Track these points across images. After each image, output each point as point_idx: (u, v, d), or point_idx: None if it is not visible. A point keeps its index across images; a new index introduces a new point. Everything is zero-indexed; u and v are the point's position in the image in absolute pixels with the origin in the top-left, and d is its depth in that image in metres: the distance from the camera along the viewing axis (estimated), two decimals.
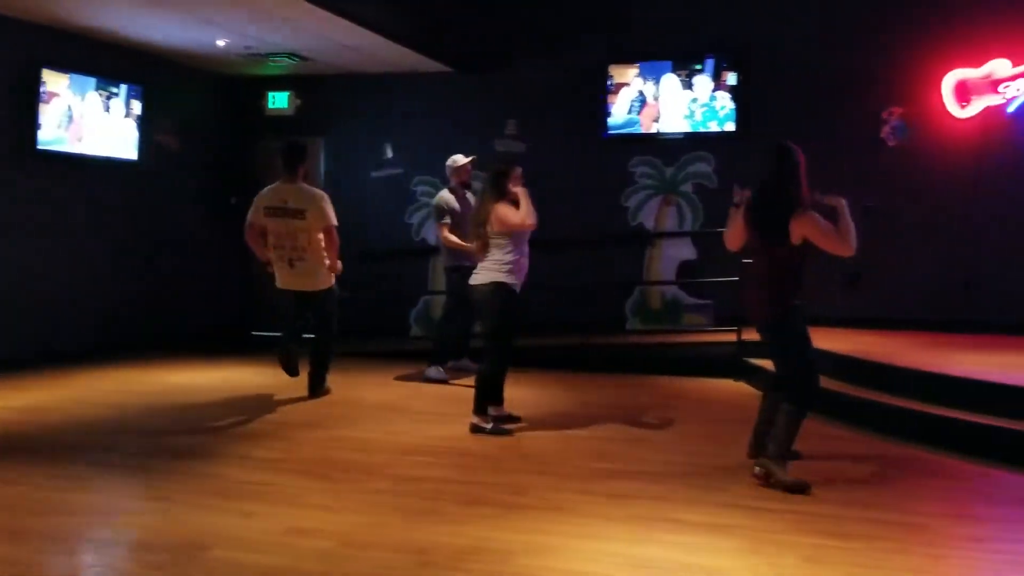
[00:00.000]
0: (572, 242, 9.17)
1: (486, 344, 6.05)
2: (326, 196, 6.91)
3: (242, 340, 10.19)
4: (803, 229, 4.64)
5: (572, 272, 9.18)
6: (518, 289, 5.95)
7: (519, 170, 6.16)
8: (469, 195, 7.86)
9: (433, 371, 7.85)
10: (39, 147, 8.28)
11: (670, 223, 9.57)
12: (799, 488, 4.59)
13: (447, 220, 7.68)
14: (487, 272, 5.90)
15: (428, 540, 3.93)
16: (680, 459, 5.32)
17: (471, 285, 6.00)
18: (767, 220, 4.78)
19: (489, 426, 5.89)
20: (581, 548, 3.85)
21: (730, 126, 9.18)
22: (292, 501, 4.49)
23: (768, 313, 4.80)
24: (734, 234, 5.03)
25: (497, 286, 5.84)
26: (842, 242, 4.63)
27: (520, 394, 7.23)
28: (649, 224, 9.62)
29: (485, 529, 4.08)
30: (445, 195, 7.81)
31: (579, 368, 8.47)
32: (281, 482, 4.81)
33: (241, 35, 8.66)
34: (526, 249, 6.02)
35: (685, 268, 9.50)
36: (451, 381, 7.77)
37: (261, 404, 6.83)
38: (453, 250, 7.60)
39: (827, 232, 4.65)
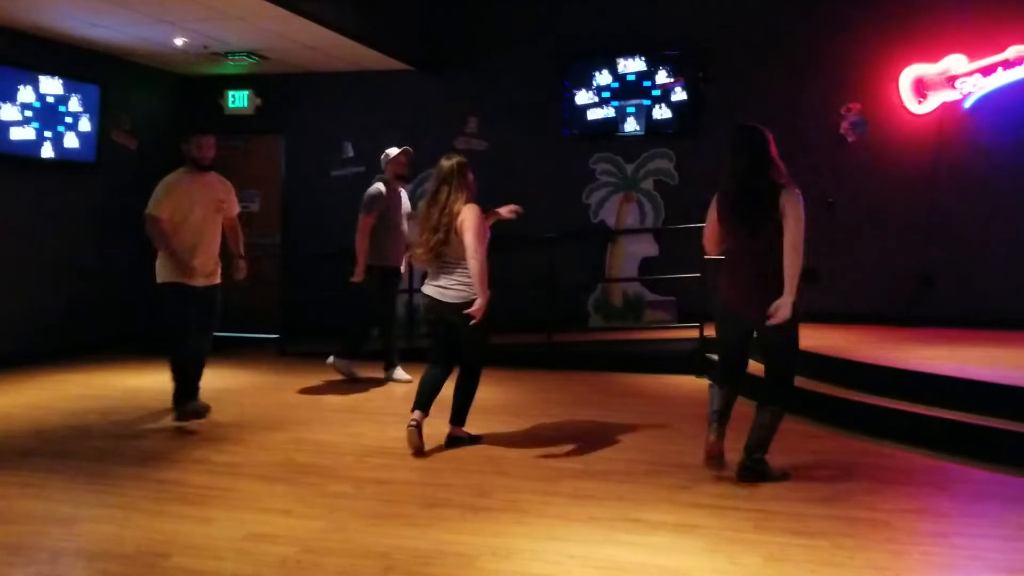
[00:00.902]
0: (534, 239, 9.14)
1: (478, 363, 5.62)
2: (161, 182, 6.26)
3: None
4: (792, 207, 4.48)
5: (534, 270, 9.16)
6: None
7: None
8: (403, 191, 7.78)
9: (342, 363, 7.78)
10: None
11: (631, 220, 9.59)
12: (784, 476, 4.86)
13: (373, 212, 7.42)
14: (469, 288, 5.26)
15: (390, 544, 3.90)
16: (643, 458, 5.33)
17: (448, 304, 5.30)
18: (751, 210, 4.59)
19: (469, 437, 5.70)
20: (544, 550, 3.85)
21: (687, 122, 9.21)
22: (252, 506, 4.44)
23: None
24: (713, 233, 4.88)
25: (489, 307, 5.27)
26: (800, 239, 4.53)
27: (484, 393, 7.17)
28: (611, 221, 9.64)
29: (448, 532, 4.06)
30: (378, 186, 7.57)
31: (542, 366, 8.47)
32: (241, 487, 4.75)
33: (199, 34, 8.55)
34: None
35: (647, 264, 9.52)
36: (357, 375, 7.82)
37: (220, 407, 6.73)
38: (373, 245, 7.43)
39: (801, 220, 4.51)
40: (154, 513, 4.32)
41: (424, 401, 5.44)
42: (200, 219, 6.21)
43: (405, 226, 7.63)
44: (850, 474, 5.03)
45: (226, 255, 6.53)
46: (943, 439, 5.46)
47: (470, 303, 5.18)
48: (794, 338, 4.78)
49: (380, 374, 7.86)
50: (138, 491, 4.67)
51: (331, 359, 7.80)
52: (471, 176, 5.44)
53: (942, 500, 4.65)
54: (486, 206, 5.54)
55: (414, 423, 5.35)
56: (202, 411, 6.13)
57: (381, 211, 7.45)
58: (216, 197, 6.32)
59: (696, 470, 4.95)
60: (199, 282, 6.18)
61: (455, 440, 5.59)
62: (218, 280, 6.39)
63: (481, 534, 4.04)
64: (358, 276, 7.42)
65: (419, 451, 5.34)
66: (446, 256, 5.31)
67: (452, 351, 5.50)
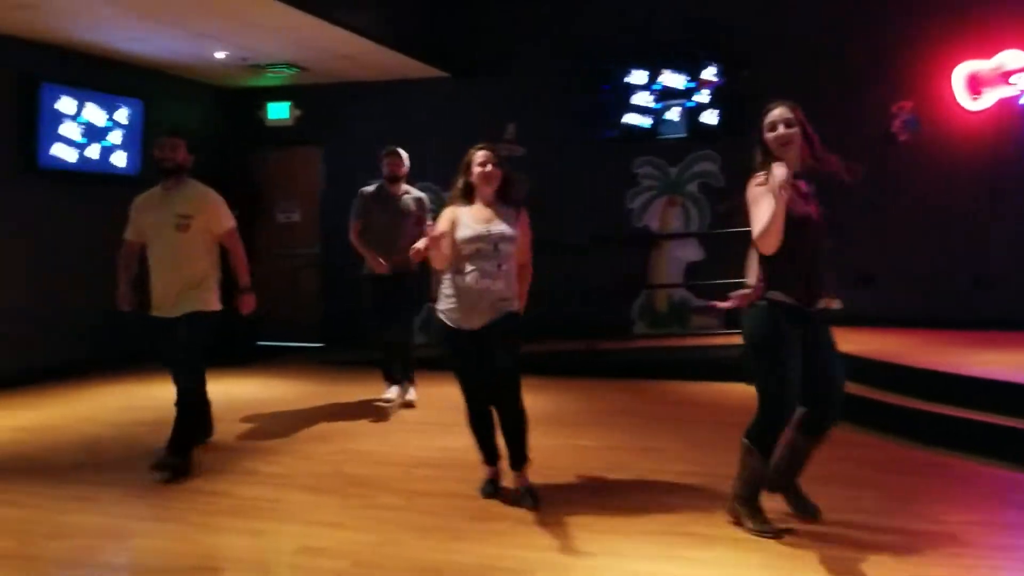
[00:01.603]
0: (576, 245, 9.08)
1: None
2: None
3: (246, 351, 10.12)
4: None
5: (577, 276, 9.08)
6: (460, 319, 4.56)
7: (481, 155, 4.65)
8: (409, 196, 7.09)
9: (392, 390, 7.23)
10: (40, 164, 8.21)
11: (676, 224, 9.48)
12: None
13: (354, 215, 7.03)
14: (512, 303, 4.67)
15: (441, 559, 3.85)
16: (694, 469, 5.22)
17: None
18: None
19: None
20: (599, 566, 3.77)
21: (732, 124, 9.09)
22: (302, 519, 4.41)
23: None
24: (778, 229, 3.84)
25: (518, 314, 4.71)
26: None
27: (528, 402, 7.14)
28: (654, 225, 9.54)
29: (498, 547, 4.00)
30: (363, 188, 7.21)
31: (586, 374, 8.38)
32: (290, 499, 4.73)
33: (238, 47, 8.60)
34: (483, 267, 4.52)
35: (692, 269, 9.41)
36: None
37: (267, 418, 6.75)
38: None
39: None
40: (205, 526, 4.31)
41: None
42: (154, 239, 5.41)
43: (399, 230, 6.91)
44: (910, 485, 4.89)
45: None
46: (1005, 447, 5.30)
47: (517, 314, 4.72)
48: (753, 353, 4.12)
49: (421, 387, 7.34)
50: (189, 504, 4.66)
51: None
52: (470, 168, 4.65)
53: (1008, 511, 4.51)
54: (530, 212, 4.84)
55: None
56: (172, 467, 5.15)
57: (365, 212, 7.02)
58: (175, 212, 5.33)
59: None
60: (160, 312, 5.38)
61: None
62: (189, 309, 5.33)
63: (534, 548, 3.97)
64: (380, 267, 6.87)
65: None
66: None
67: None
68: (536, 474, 5.04)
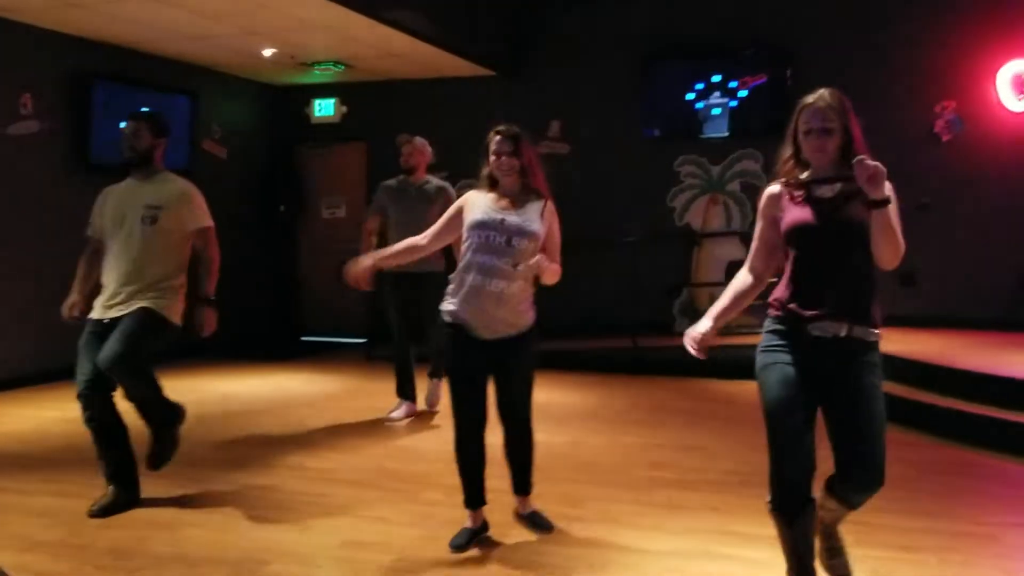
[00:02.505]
0: (618, 243, 9.08)
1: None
2: None
3: (292, 346, 10.27)
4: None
5: (619, 273, 9.10)
6: (466, 323, 3.92)
7: (494, 143, 4.04)
8: (430, 185, 6.72)
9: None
10: (92, 161, 8.39)
11: (717, 222, 9.46)
12: None
13: (373, 212, 6.72)
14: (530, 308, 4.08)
15: (485, 554, 3.92)
16: (736, 467, 5.24)
17: None
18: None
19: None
20: (641, 564, 3.81)
21: (774, 123, 9.03)
22: (347, 513, 4.49)
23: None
24: None
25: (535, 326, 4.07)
26: None
27: (570, 399, 7.20)
28: (696, 224, 9.53)
29: (542, 542, 4.05)
30: (386, 181, 6.91)
31: (628, 371, 8.40)
32: (336, 493, 4.81)
33: (287, 44, 8.72)
34: (492, 262, 3.86)
35: (733, 268, 9.35)
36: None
37: (311, 411, 6.84)
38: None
39: None
40: (252, 519, 4.41)
41: None
42: (114, 231, 4.81)
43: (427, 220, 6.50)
44: (952, 485, 4.88)
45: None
46: None
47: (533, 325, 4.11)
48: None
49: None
50: (236, 496, 4.76)
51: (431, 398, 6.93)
52: (489, 156, 4.05)
53: None
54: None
55: None
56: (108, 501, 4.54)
57: (381, 207, 6.72)
58: (143, 203, 4.76)
59: None
60: (98, 314, 4.78)
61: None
62: (124, 311, 4.64)
63: (575, 545, 4.02)
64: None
65: None
66: None
67: None
68: (580, 471, 5.10)
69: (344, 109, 10.86)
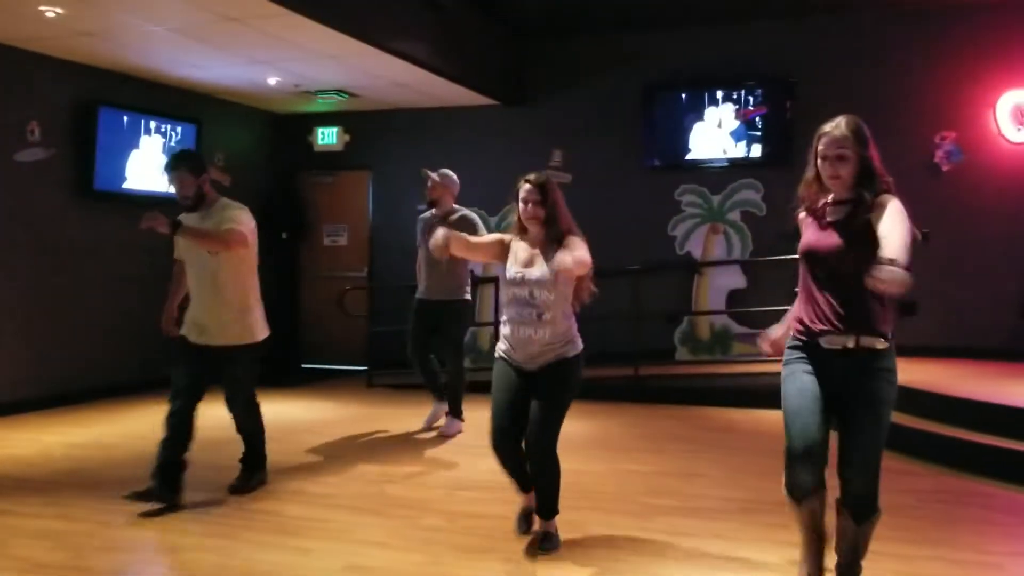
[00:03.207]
0: (620, 272, 9.12)
1: None
2: None
3: (292, 373, 10.28)
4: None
5: (621, 302, 9.13)
6: (511, 359, 4.32)
7: (523, 191, 4.28)
8: (454, 216, 6.91)
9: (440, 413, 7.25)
10: (96, 186, 8.44)
11: (718, 251, 9.51)
12: None
13: (418, 245, 7.12)
14: (572, 341, 4.42)
15: None
16: (739, 495, 5.24)
17: None
18: None
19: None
20: None
21: (774, 153, 9.13)
22: (349, 538, 4.49)
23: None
24: None
25: (581, 355, 4.44)
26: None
27: (571, 427, 7.11)
28: (697, 253, 9.57)
29: (546, 569, 4.04)
30: (423, 215, 7.25)
31: (628, 399, 8.41)
32: (337, 518, 4.81)
33: (291, 73, 8.80)
34: (520, 313, 4.24)
35: (734, 297, 9.41)
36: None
37: (311, 437, 6.84)
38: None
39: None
40: (255, 543, 4.40)
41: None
42: (190, 262, 5.41)
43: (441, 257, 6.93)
44: (955, 514, 4.87)
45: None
46: None
47: (579, 354, 4.46)
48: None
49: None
50: (238, 521, 4.76)
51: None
52: (518, 202, 4.32)
53: None
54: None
55: None
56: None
57: (422, 239, 7.05)
58: None
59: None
60: (191, 335, 5.35)
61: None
62: (233, 341, 5.32)
63: (578, 571, 4.01)
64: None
65: None
66: None
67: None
68: (582, 498, 5.10)
69: (347, 137, 10.94)
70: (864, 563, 3.65)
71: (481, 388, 6.17)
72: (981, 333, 8.50)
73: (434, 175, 7.09)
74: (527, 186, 4.25)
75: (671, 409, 8.08)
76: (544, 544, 4.29)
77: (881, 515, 3.49)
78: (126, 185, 8.76)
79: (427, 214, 7.16)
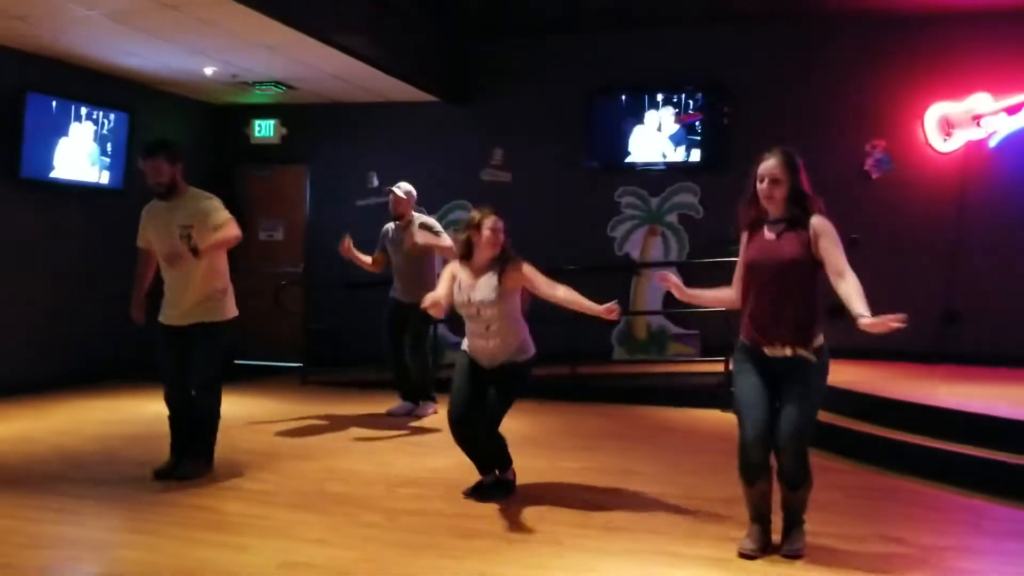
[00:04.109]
0: (559, 271, 9.14)
1: None
2: None
3: (224, 369, 10.09)
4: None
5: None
6: (472, 355, 5.09)
7: (494, 221, 4.99)
8: (412, 225, 7.37)
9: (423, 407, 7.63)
10: (23, 174, 8.21)
11: (656, 253, 9.61)
12: None
13: (378, 248, 7.61)
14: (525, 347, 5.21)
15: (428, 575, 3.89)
16: (673, 491, 5.30)
17: None
18: None
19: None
20: None
21: (711, 158, 9.27)
22: (286, 535, 4.43)
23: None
24: None
25: (531, 360, 5.18)
26: None
27: (509, 424, 7.17)
28: (635, 254, 9.66)
29: (484, 564, 4.04)
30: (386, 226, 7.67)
31: (565, 398, 8.44)
32: (273, 515, 4.75)
33: (229, 63, 8.66)
34: (472, 327, 5.05)
35: (671, 298, 9.49)
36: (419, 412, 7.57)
37: (246, 434, 6.75)
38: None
39: None
40: (188, 540, 4.32)
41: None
42: (162, 251, 5.47)
43: (404, 262, 7.47)
44: (881, 510, 5.00)
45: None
46: (972, 476, 5.41)
47: (529, 360, 5.24)
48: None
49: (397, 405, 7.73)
50: (170, 518, 4.67)
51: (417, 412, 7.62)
52: (482, 232, 4.99)
53: (976, 537, 4.62)
54: (511, 239, 5.13)
55: None
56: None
57: (383, 248, 7.61)
58: (178, 223, 5.40)
59: (725, 504, 4.90)
60: (168, 320, 5.54)
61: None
62: (202, 319, 5.48)
63: (517, 565, 4.02)
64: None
65: None
66: None
67: None
68: (520, 495, 5.12)
69: (284, 131, 10.80)
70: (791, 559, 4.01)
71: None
72: (907, 336, 8.65)
73: (399, 192, 7.45)
74: (496, 218, 4.98)
75: (608, 408, 8.14)
76: (496, 492, 5.06)
77: (812, 483, 4.12)
78: (54, 174, 8.52)
79: (390, 225, 7.57)
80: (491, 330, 4.94)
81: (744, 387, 4.12)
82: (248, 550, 4.20)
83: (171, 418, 5.52)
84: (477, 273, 4.99)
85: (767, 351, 4.06)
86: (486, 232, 4.94)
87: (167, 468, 5.42)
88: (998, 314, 8.53)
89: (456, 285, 5.01)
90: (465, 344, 5.12)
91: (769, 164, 4.03)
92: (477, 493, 5.11)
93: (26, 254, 8.50)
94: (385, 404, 7.81)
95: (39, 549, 4.19)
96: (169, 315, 5.45)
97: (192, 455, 5.48)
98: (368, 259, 7.56)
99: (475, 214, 5.03)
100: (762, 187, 4.03)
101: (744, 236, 4.18)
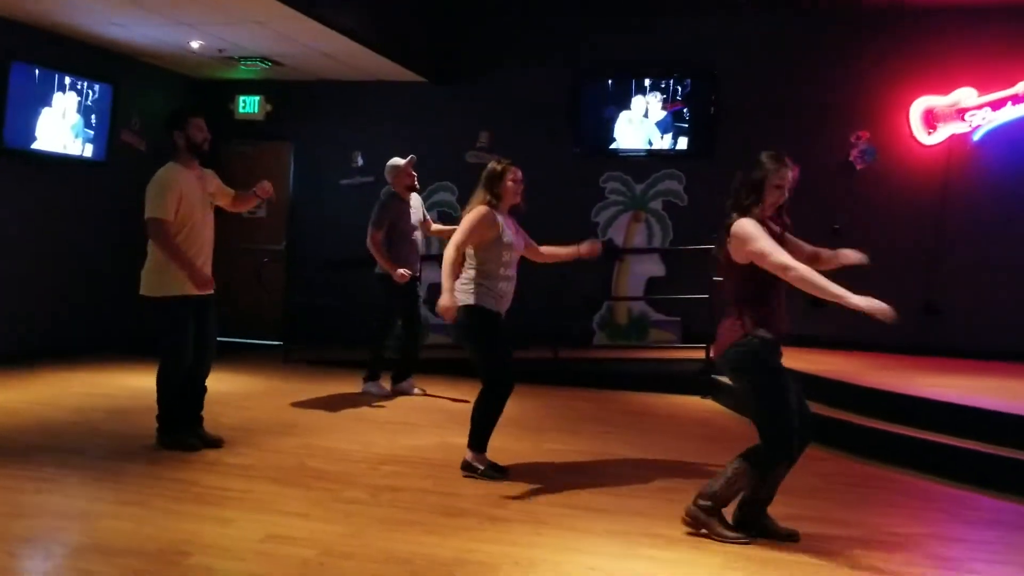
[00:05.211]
0: None
1: (483, 378, 5.26)
2: (155, 179, 5.54)
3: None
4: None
5: (541, 285, 9.17)
6: (496, 308, 5.15)
7: (515, 172, 5.30)
8: (414, 202, 7.54)
9: (372, 386, 7.63)
10: (6, 144, 8.12)
11: (639, 239, 9.63)
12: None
13: (382, 225, 7.30)
14: (459, 294, 5.10)
15: (411, 551, 3.90)
16: (654, 474, 5.34)
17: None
18: None
19: (482, 468, 5.16)
20: (565, 562, 3.86)
21: (697, 146, 9.29)
22: (269, 509, 4.44)
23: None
24: None
25: (465, 309, 5.07)
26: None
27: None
28: (619, 240, 9.68)
29: (468, 541, 4.06)
30: (387, 199, 7.44)
31: (547, 382, 8.46)
32: (257, 489, 4.75)
33: (215, 37, 8.58)
34: (504, 272, 5.18)
35: (653, 284, 9.56)
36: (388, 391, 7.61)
37: (227, 410, 6.71)
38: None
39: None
40: (171, 512, 4.32)
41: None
42: (201, 219, 5.55)
43: (419, 235, 7.56)
44: (862, 498, 5.06)
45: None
46: (952, 466, 5.49)
47: (462, 311, 5.06)
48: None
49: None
50: (153, 489, 4.66)
51: (363, 387, 7.64)
52: (500, 184, 5.23)
53: (955, 526, 4.68)
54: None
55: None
56: (207, 443, 5.58)
57: (391, 222, 7.35)
58: (208, 191, 5.68)
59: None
60: (202, 292, 5.49)
61: (467, 465, 5.23)
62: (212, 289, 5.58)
63: (501, 544, 4.04)
64: (399, 278, 7.23)
65: None
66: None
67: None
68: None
69: (269, 107, 10.72)
70: (776, 541, 4.12)
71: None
72: (887, 327, 8.75)
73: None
74: (518, 169, 5.35)
75: (589, 392, 8.17)
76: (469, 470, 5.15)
77: (757, 464, 4.14)
78: (36, 145, 8.42)
79: (386, 199, 7.46)
80: (512, 272, 5.26)
81: (790, 384, 4.16)
82: (232, 523, 4.21)
83: (180, 394, 5.52)
84: (505, 219, 5.23)
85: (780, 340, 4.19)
86: (509, 183, 5.23)
87: (201, 436, 5.59)
88: (978, 307, 8.63)
89: (503, 230, 5.17)
90: (487, 299, 5.10)
91: (793, 176, 4.23)
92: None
93: (5, 226, 8.40)
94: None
95: (24, 519, 4.17)
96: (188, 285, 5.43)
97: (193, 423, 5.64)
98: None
99: (496, 165, 5.27)
100: (781, 193, 4.22)
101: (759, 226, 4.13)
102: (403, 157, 7.59)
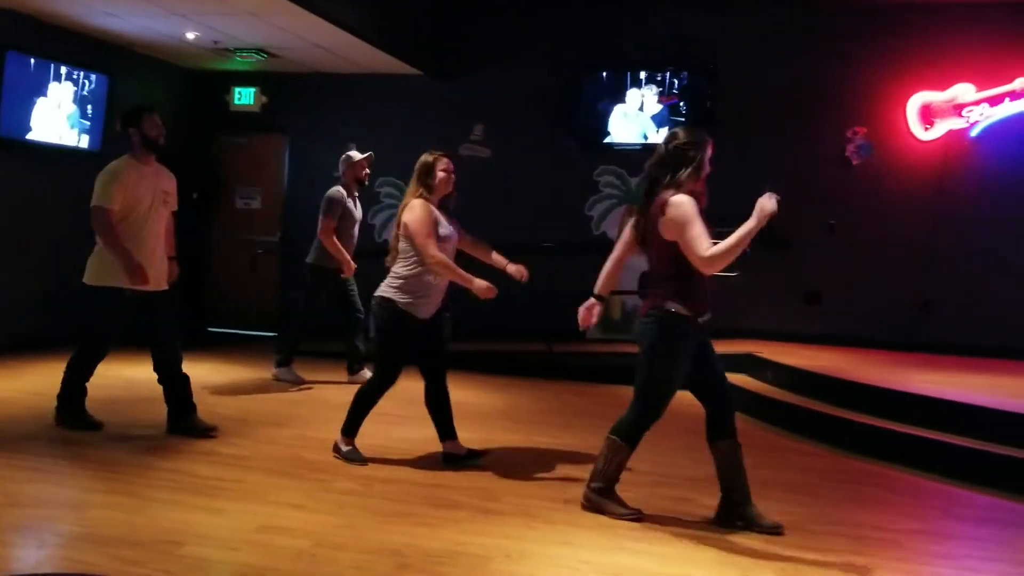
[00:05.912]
0: (536, 249, 9.17)
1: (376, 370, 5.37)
2: (104, 170, 5.60)
3: (198, 336, 10.04)
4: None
5: (534, 279, 9.17)
6: (418, 313, 5.06)
7: (446, 162, 5.18)
8: (356, 196, 7.62)
9: (283, 372, 7.64)
10: (1, 134, 8.08)
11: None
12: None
13: (334, 215, 7.30)
14: (384, 285, 5.13)
15: (402, 542, 3.91)
16: (646, 468, 5.32)
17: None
18: None
19: (345, 449, 5.23)
20: (556, 555, 3.87)
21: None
22: (263, 499, 4.44)
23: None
24: None
25: (382, 302, 5.10)
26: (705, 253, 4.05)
27: (484, 399, 7.27)
28: (612, 234, 9.67)
29: (459, 533, 4.07)
30: (339, 189, 7.48)
31: (541, 375, 8.48)
32: (250, 480, 4.75)
33: (211, 28, 8.56)
34: (430, 276, 5.07)
35: (646, 278, 9.54)
36: (304, 383, 7.60)
37: (221, 401, 6.72)
38: (322, 248, 7.36)
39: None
40: (164, 502, 4.32)
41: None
42: (147, 213, 5.57)
43: (356, 229, 7.58)
44: (855, 493, 5.07)
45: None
46: (945, 462, 5.50)
47: (375, 297, 5.14)
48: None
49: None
50: (146, 480, 4.66)
51: (273, 372, 7.67)
52: (437, 173, 5.11)
53: (948, 523, 4.70)
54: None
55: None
56: (205, 429, 5.63)
57: (341, 214, 7.37)
58: (163, 189, 5.71)
59: (699, 483, 4.95)
60: (147, 287, 5.50)
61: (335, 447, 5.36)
62: (165, 286, 5.72)
63: (492, 536, 4.05)
64: (349, 271, 7.36)
65: None
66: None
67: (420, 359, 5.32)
68: (495, 467, 5.17)
69: (264, 99, 10.69)
70: (768, 538, 4.13)
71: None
72: (882, 323, 8.82)
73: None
74: (448, 159, 5.19)
75: (582, 386, 8.18)
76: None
77: (626, 435, 4.39)
78: (31, 135, 8.39)
79: (341, 190, 7.53)
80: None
81: (685, 371, 4.30)
82: (225, 513, 4.21)
83: (87, 378, 5.76)
84: (440, 212, 5.13)
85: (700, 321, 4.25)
86: (440, 173, 5.11)
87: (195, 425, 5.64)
88: (973, 303, 8.64)
89: (440, 223, 5.07)
90: (408, 298, 5.01)
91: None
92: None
93: (1, 215, 8.38)
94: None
95: (17, 508, 4.17)
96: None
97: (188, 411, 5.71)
98: None
99: (428, 156, 5.15)
100: (710, 170, 4.31)
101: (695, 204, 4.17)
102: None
